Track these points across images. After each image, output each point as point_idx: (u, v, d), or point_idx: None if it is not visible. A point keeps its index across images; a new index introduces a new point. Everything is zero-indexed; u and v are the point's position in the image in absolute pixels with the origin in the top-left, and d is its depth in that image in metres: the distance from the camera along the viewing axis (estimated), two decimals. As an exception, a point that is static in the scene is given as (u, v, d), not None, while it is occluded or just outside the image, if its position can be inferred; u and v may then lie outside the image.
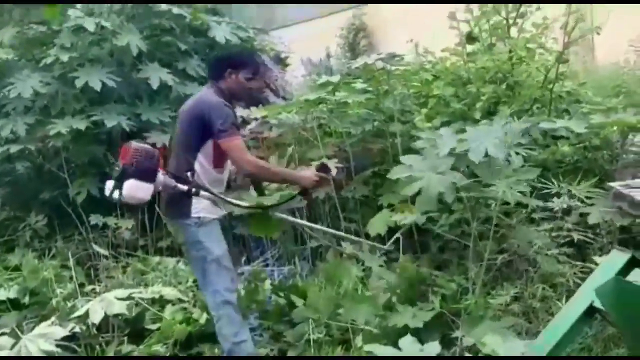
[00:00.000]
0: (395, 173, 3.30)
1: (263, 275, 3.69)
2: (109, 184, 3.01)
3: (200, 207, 3.11)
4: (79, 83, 4.80)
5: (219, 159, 3.17)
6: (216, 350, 3.31)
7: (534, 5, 4.18)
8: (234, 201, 3.24)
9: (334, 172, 3.54)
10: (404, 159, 3.35)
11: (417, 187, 3.14)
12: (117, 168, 3.00)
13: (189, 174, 3.09)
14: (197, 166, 3.12)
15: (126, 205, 3.11)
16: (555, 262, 3.08)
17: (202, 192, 3.08)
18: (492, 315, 2.95)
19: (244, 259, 3.97)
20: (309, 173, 3.34)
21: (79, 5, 5.12)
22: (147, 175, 2.95)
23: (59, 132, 4.80)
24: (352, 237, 3.60)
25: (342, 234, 3.63)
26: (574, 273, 2.98)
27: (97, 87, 4.80)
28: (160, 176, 3.01)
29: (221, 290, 3.12)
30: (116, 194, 2.96)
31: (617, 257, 2.16)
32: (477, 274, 3.26)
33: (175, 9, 5.24)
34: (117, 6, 5.28)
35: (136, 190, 2.94)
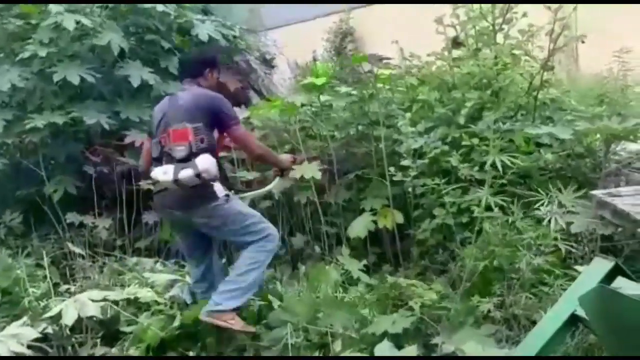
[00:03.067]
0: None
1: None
2: (162, 169, 3.11)
3: (220, 187, 3.25)
4: (57, 77, 4.70)
5: (219, 148, 3.43)
6: (191, 353, 3.24)
7: (520, 12, 4.16)
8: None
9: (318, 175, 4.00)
10: None
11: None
12: (167, 149, 3.14)
13: None
14: None
15: (182, 186, 3.14)
16: (537, 270, 3.06)
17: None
18: (472, 322, 2.91)
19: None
20: (286, 156, 3.82)
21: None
22: (211, 151, 3.17)
23: (36, 127, 4.69)
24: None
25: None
26: (559, 284, 2.95)
27: (76, 81, 4.70)
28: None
29: (262, 222, 3.36)
30: (185, 174, 3.05)
31: (600, 265, 2.13)
32: (459, 280, 3.23)
33: (160, 6, 5.17)
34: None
35: (211, 164, 3.11)
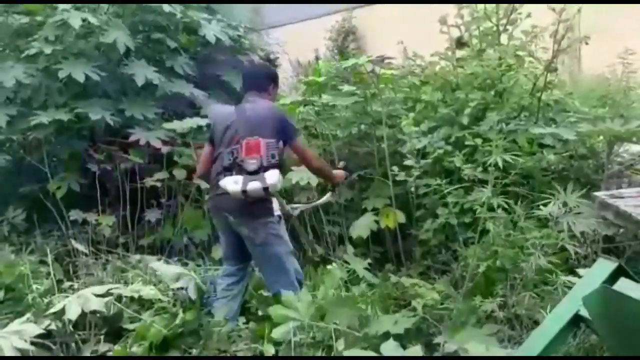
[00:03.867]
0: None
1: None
2: (233, 179, 3.19)
3: (276, 206, 3.43)
4: (62, 75, 4.69)
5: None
6: (194, 351, 3.25)
7: (525, 12, 4.17)
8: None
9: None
10: None
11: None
12: (239, 161, 3.21)
13: None
14: None
15: (248, 197, 3.23)
16: (540, 270, 3.07)
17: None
18: (474, 321, 2.92)
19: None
20: (340, 172, 3.83)
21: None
22: (280, 167, 3.30)
23: (41, 123, 4.70)
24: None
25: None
26: (562, 284, 2.96)
27: (81, 79, 4.69)
28: None
29: (296, 273, 3.49)
30: (253, 186, 3.15)
31: (604, 266, 2.14)
32: (461, 280, 3.23)
33: (167, 6, 5.16)
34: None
35: (278, 179, 3.22)
